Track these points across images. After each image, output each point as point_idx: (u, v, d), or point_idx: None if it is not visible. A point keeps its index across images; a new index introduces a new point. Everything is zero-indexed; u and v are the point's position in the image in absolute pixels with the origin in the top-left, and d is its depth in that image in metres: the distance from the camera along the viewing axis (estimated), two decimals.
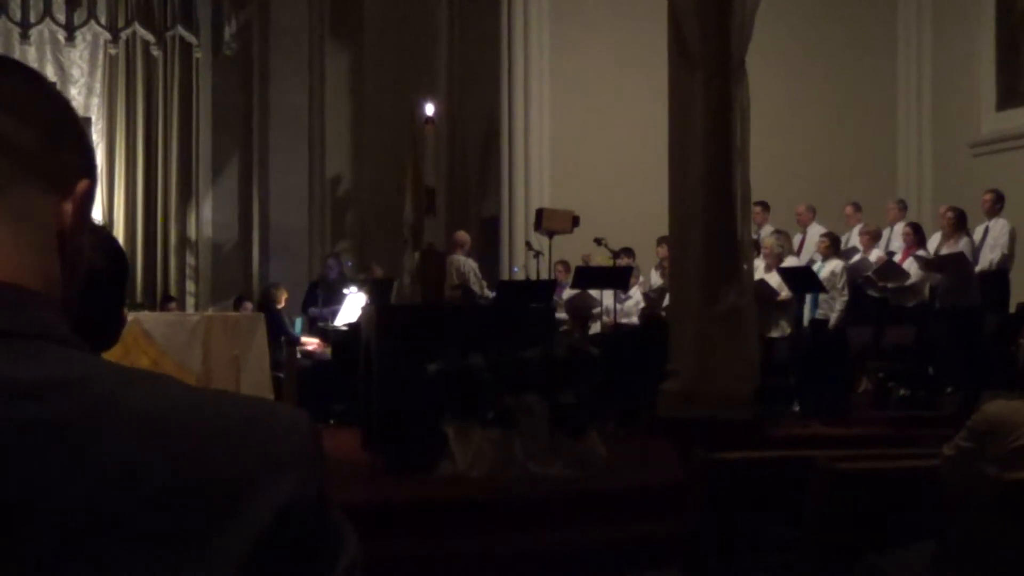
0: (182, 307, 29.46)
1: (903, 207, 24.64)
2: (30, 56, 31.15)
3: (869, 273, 22.54)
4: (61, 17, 30.75)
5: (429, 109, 26.13)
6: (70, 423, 1.70)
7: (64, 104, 2.06)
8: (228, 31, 31.82)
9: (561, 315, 21.46)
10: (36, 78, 2.06)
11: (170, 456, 1.72)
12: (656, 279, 23.43)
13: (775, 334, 21.04)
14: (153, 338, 18.99)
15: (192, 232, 32.43)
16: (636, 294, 24.17)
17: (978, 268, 21.89)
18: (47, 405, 1.71)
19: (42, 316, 1.83)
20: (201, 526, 1.70)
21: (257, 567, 1.71)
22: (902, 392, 21.37)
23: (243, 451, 1.76)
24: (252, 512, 1.72)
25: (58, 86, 28.29)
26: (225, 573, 1.69)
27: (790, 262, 22.31)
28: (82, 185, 1.96)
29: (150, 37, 31.68)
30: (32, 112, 1.95)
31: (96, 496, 1.67)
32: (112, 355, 3.75)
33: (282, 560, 1.73)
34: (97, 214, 30.09)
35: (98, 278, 3.82)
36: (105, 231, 4.62)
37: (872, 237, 23.54)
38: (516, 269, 25.71)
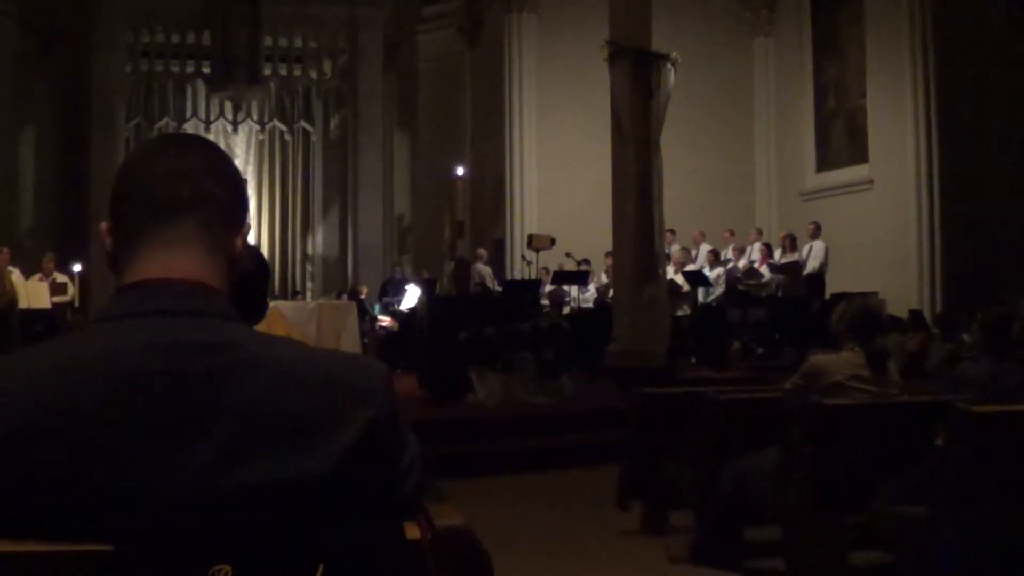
0: (304, 298, 29.46)
1: (759, 232, 24.78)
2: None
3: (739, 275, 22.74)
4: (229, 116, 30.84)
5: (459, 170, 26.12)
6: (233, 368, 1.81)
7: (237, 170, 2.16)
8: (332, 123, 31.92)
9: (544, 302, 21.38)
10: (224, 153, 2.16)
11: (297, 389, 1.84)
12: (605, 278, 23.43)
13: (680, 313, 21.12)
14: (286, 317, 19.05)
15: (310, 250, 32.47)
16: (592, 288, 24.21)
17: (805, 272, 22.09)
18: (220, 357, 1.82)
19: (219, 303, 1.95)
20: (318, 430, 1.81)
21: (355, 456, 1.81)
22: (759, 350, 21.40)
23: (343, 385, 1.88)
24: (351, 423, 1.83)
25: None
26: (335, 459, 1.79)
27: (689, 268, 22.45)
28: (246, 227, 2.10)
29: (284, 128, 31.77)
30: (226, 176, 2.06)
31: (250, 413, 1.78)
32: (260, 328, 3.82)
33: (369, 453, 1.84)
34: (252, 239, 30.06)
35: (250, 278, 3.85)
36: (255, 248, 4.64)
37: (740, 251, 23.75)
38: (516, 272, 25.67)
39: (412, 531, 1.99)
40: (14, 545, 1.70)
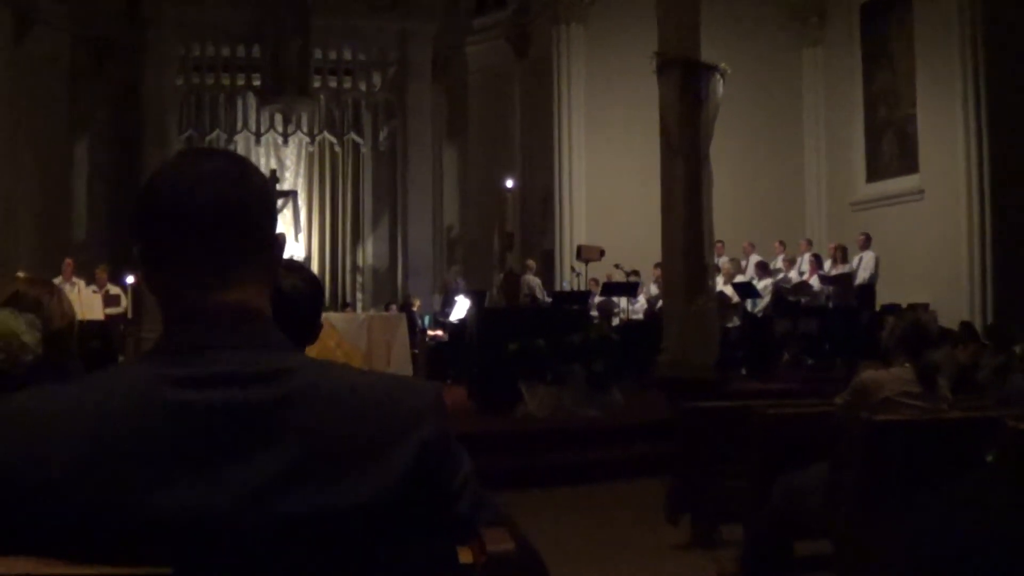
0: (354, 309, 29.50)
1: (809, 243, 24.62)
2: (260, 153, 31.37)
3: (788, 287, 22.65)
4: (280, 128, 30.86)
5: (509, 182, 26.10)
6: (288, 396, 1.86)
7: (265, 179, 2.12)
8: (382, 135, 31.89)
9: (593, 313, 21.37)
10: (251, 163, 2.14)
11: (351, 414, 1.88)
12: (654, 289, 23.35)
13: (729, 324, 21.01)
14: (337, 328, 19.02)
15: (360, 261, 32.48)
16: (641, 299, 24.15)
17: (856, 283, 21.91)
18: (275, 386, 1.86)
19: (270, 330, 1.97)
20: (372, 455, 1.84)
21: (409, 479, 1.84)
22: (809, 361, 21.30)
23: (396, 409, 1.93)
24: (404, 446, 1.87)
25: (279, 172, 28.88)
26: (389, 482, 1.84)
27: (739, 279, 22.34)
28: (281, 238, 2.09)
29: (333, 140, 31.77)
30: (269, 202, 2.06)
31: (305, 439, 1.82)
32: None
33: (423, 476, 1.87)
34: (303, 250, 30.26)
35: (302, 297, 3.90)
36: (307, 268, 4.67)
37: (790, 263, 23.61)
38: (565, 284, 25.66)
39: (465, 555, 2.01)
40: (77, 569, 1.75)
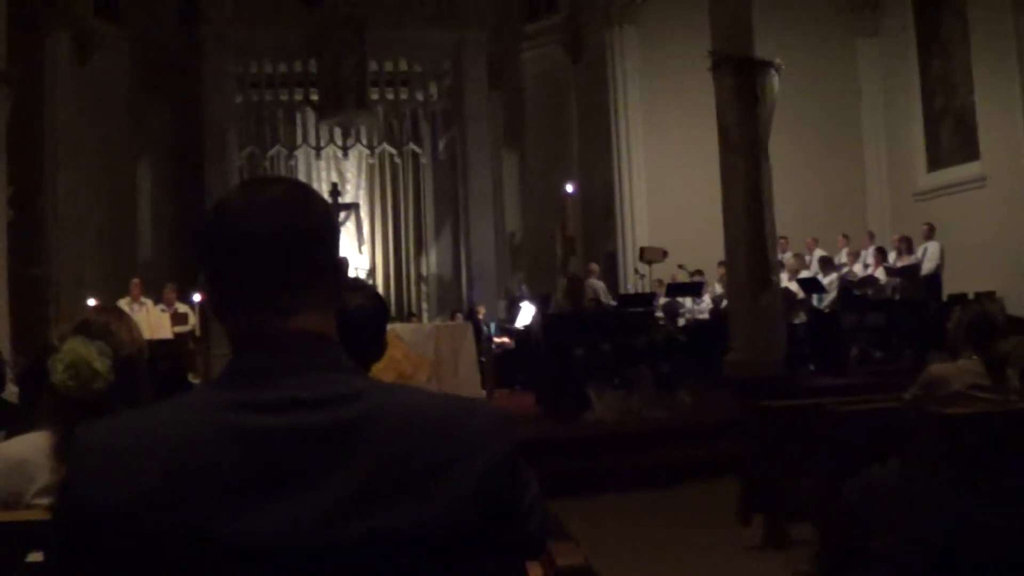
0: (420, 319, 29.56)
1: (872, 236, 24.45)
2: (321, 167, 31.61)
3: (854, 280, 22.50)
4: (339, 141, 31.00)
5: (569, 187, 26.12)
6: (355, 420, 1.86)
7: (327, 203, 2.14)
8: (441, 144, 32.05)
9: (659, 315, 21.31)
10: (312, 188, 2.16)
11: (417, 437, 1.87)
12: (718, 288, 23.29)
13: (796, 321, 20.90)
14: (404, 339, 19.04)
15: (424, 271, 32.61)
16: (706, 299, 24.08)
17: (921, 274, 21.74)
18: (341, 410, 1.86)
19: (336, 354, 1.96)
20: (442, 474, 1.84)
21: (477, 500, 1.83)
22: (878, 355, 21.17)
23: (462, 431, 1.91)
24: (471, 468, 1.86)
25: (340, 185, 29.01)
26: (457, 504, 1.83)
27: (803, 275, 22.22)
28: (344, 261, 2.08)
29: (393, 151, 31.90)
30: (331, 227, 2.07)
31: (372, 463, 1.82)
32: None
33: (491, 497, 1.85)
34: (366, 262, 30.39)
35: (367, 316, 3.93)
36: (370, 287, 4.71)
37: (854, 256, 23.47)
38: (629, 286, 25.64)
39: (534, 570, 2.02)
40: None
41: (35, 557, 3.26)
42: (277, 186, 2.06)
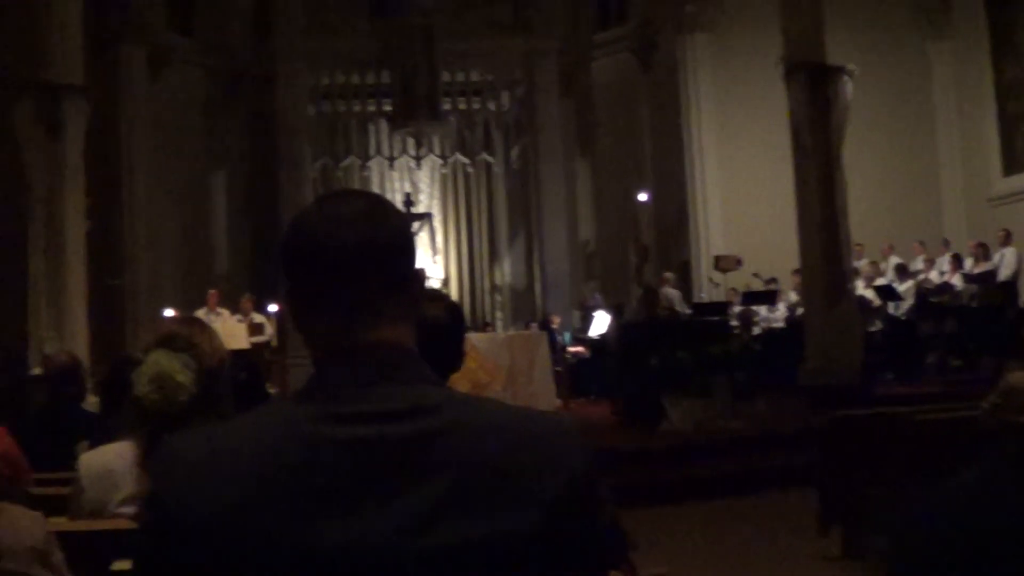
0: (494, 329, 29.58)
1: (947, 242, 24.26)
2: (394, 177, 31.75)
3: (930, 287, 22.33)
4: (412, 152, 31.11)
5: (642, 195, 26.09)
6: (436, 432, 1.86)
7: (404, 216, 2.17)
8: (513, 153, 32.10)
9: (733, 323, 21.24)
10: (388, 201, 2.17)
11: (497, 449, 1.87)
12: (794, 297, 23.18)
13: (872, 329, 20.79)
14: (478, 349, 19.01)
15: (498, 280, 32.65)
16: (781, 307, 23.98)
17: (997, 280, 21.57)
18: (422, 421, 1.87)
19: (417, 366, 1.97)
20: (519, 489, 1.84)
21: (557, 513, 1.84)
22: (955, 363, 21.00)
23: (542, 443, 1.91)
24: (551, 480, 1.86)
25: (413, 196, 29.13)
26: (537, 516, 1.83)
27: (879, 282, 22.10)
28: (421, 273, 2.11)
29: (466, 160, 31.96)
30: (409, 240, 2.08)
31: (453, 474, 1.82)
32: None
33: (570, 509, 1.86)
34: (440, 272, 30.48)
35: (445, 328, 3.96)
36: (448, 298, 4.74)
37: (930, 263, 23.27)
38: (703, 295, 25.55)
39: None
40: None
41: (120, 565, 3.30)
42: (355, 200, 2.08)
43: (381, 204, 2.09)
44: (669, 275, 25.09)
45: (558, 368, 21.48)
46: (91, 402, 8.51)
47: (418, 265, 2.12)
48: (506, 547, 1.82)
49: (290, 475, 1.83)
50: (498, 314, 32.42)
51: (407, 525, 1.80)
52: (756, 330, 22.99)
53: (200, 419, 3.63)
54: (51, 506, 4.05)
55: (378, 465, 1.83)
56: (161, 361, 3.83)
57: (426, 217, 31.12)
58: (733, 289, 24.06)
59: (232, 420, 2.02)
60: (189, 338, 3.94)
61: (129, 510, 3.92)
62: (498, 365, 19.43)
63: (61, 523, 3.86)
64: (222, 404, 3.90)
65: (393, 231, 2.04)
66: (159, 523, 1.88)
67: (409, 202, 29.89)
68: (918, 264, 23.42)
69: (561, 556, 1.86)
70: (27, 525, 2.61)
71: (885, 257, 23.62)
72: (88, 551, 3.58)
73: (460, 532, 1.80)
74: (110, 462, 4.05)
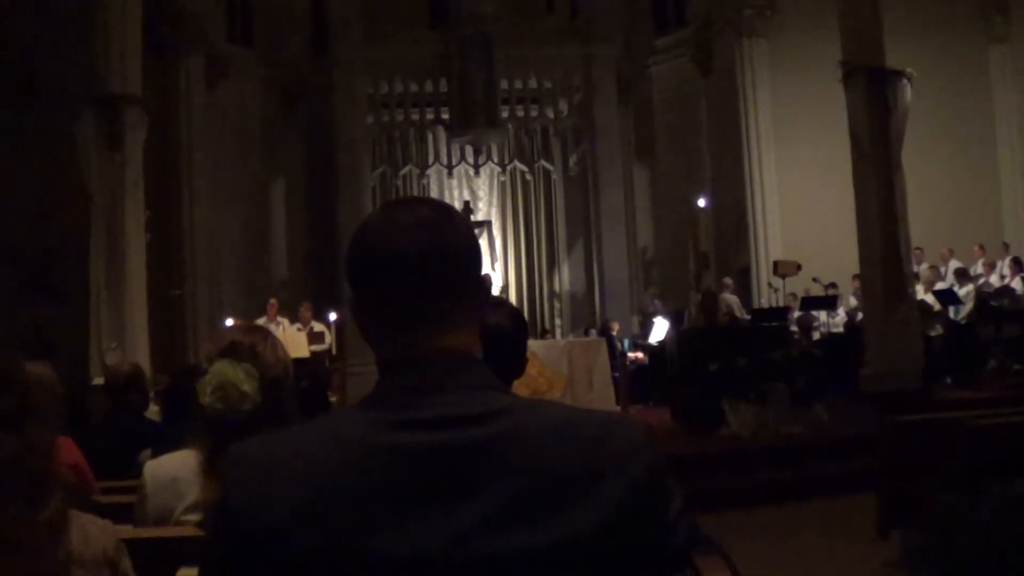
0: (553, 335, 29.61)
1: (1007, 246, 24.09)
2: (453, 185, 31.87)
3: (990, 292, 22.17)
4: (470, 160, 31.21)
5: (702, 202, 26.04)
6: (501, 437, 1.89)
7: (470, 224, 2.22)
8: (572, 160, 32.12)
9: (793, 329, 21.18)
10: (455, 210, 2.19)
11: (563, 452, 1.90)
12: (853, 302, 23.10)
13: (932, 333, 20.66)
14: (538, 356, 19.01)
15: (557, 287, 32.66)
16: (841, 312, 23.89)
17: None
18: (487, 427, 1.90)
19: (482, 372, 2.00)
20: (588, 490, 1.87)
21: (623, 515, 1.87)
22: (1015, 367, 20.84)
23: (607, 446, 1.93)
24: (617, 482, 1.89)
25: (472, 203, 29.18)
26: (604, 518, 1.85)
27: (939, 286, 21.97)
28: (488, 279, 2.15)
29: (524, 168, 32.06)
30: (475, 247, 2.10)
31: (519, 478, 1.86)
32: None
33: (637, 511, 1.89)
34: (499, 280, 30.50)
35: (508, 334, 4.00)
36: (510, 304, 4.78)
37: (990, 267, 23.11)
38: (763, 300, 25.47)
39: None
40: None
41: (185, 572, 3.35)
42: (420, 207, 2.09)
43: (447, 211, 2.11)
44: (728, 281, 25.04)
45: (617, 374, 21.46)
46: (152, 411, 8.59)
47: (483, 272, 2.15)
48: (573, 551, 1.83)
49: (357, 481, 1.86)
50: (557, 321, 32.43)
51: (473, 531, 1.82)
52: (815, 335, 22.91)
53: (264, 428, 3.64)
54: (115, 514, 4.10)
55: (445, 471, 1.86)
56: (225, 371, 3.87)
57: (485, 225, 31.17)
58: (792, 294, 24.00)
59: (301, 426, 2.04)
60: (253, 347, 3.97)
61: (194, 517, 3.97)
62: (557, 372, 19.46)
63: (126, 531, 3.91)
64: (286, 413, 3.94)
65: (459, 238, 2.06)
66: (228, 527, 1.93)
67: (468, 210, 30.02)
68: (978, 268, 23.28)
69: (626, 560, 1.88)
70: (96, 533, 2.66)
71: (945, 261, 23.49)
72: (153, 558, 3.63)
73: (527, 537, 1.83)
74: (175, 470, 4.09)
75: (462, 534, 1.82)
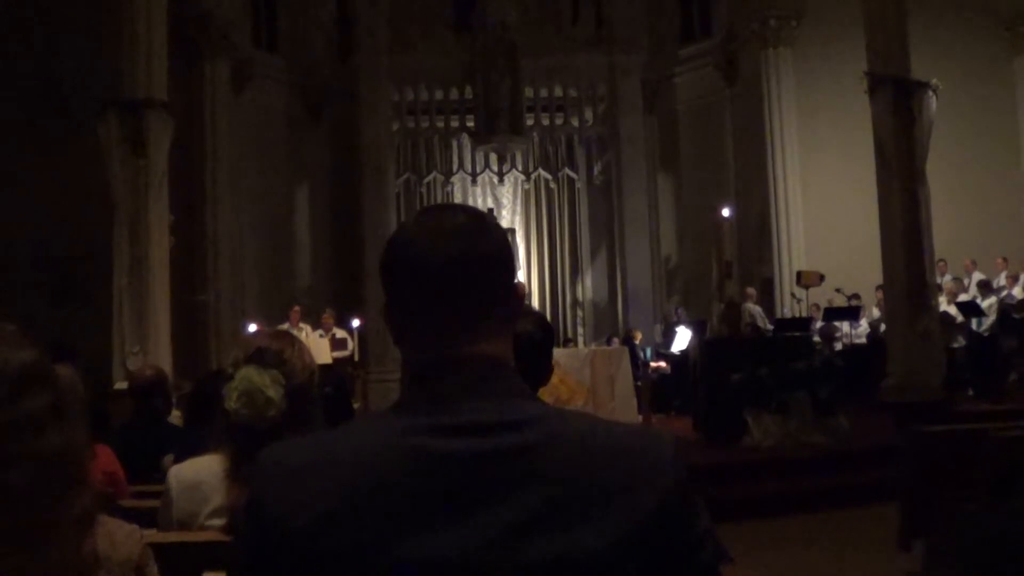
0: (575, 344, 29.59)
1: None
2: (477, 193, 31.88)
3: (1013, 303, 22.10)
4: (495, 167, 31.19)
5: (725, 210, 26.01)
6: (531, 445, 1.89)
7: (504, 231, 2.18)
8: (596, 168, 32.16)
9: (816, 339, 21.14)
10: (490, 216, 2.21)
11: (593, 462, 1.89)
12: (876, 312, 23.09)
13: (954, 345, 20.64)
14: (560, 364, 18.93)
15: (580, 295, 32.68)
16: (864, 323, 23.86)
17: None
18: (517, 435, 1.89)
19: (513, 380, 1.99)
20: (617, 500, 1.87)
21: (652, 526, 1.86)
22: None
23: (637, 457, 1.93)
24: (647, 494, 1.88)
25: (496, 211, 29.18)
26: (633, 529, 1.85)
27: (962, 298, 21.93)
28: (520, 288, 2.12)
29: (548, 176, 32.10)
30: (509, 254, 2.11)
31: (548, 487, 1.86)
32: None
33: (667, 520, 1.88)
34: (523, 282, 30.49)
35: (535, 342, 4.02)
36: (538, 313, 4.80)
37: (1014, 279, 23.04)
38: (786, 311, 25.46)
39: None
40: None
41: None
42: (456, 214, 2.09)
43: (481, 218, 2.11)
44: (752, 290, 25.03)
45: (639, 383, 21.44)
46: (175, 417, 8.61)
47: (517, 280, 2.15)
48: (601, 562, 1.83)
49: (385, 486, 1.87)
50: (580, 329, 32.43)
51: (500, 539, 1.82)
52: (838, 346, 22.89)
53: (289, 435, 3.65)
54: (139, 518, 4.13)
55: (474, 477, 1.86)
56: (251, 376, 3.88)
57: (508, 232, 31.15)
58: (815, 305, 24.00)
59: (332, 431, 2.04)
60: (280, 354, 3.99)
61: (218, 522, 3.97)
62: (580, 380, 19.41)
63: (151, 535, 3.93)
64: (311, 419, 3.95)
65: (494, 245, 2.06)
66: (257, 529, 1.93)
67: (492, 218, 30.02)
68: (1001, 280, 23.20)
69: (654, 571, 1.88)
70: (123, 538, 2.68)
71: (968, 273, 23.45)
72: (178, 563, 3.65)
73: (556, 546, 1.82)
74: (200, 474, 4.09)
75: (491, 541, 1.82)
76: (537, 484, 1.86)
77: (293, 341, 4.15)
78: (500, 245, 2.08)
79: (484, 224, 2.09)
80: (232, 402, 3.87)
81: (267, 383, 3.86)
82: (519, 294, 2.12)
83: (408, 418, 1.94)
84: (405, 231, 2.09)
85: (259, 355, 3.96)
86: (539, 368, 4.09)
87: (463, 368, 1.97)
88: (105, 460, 6.03)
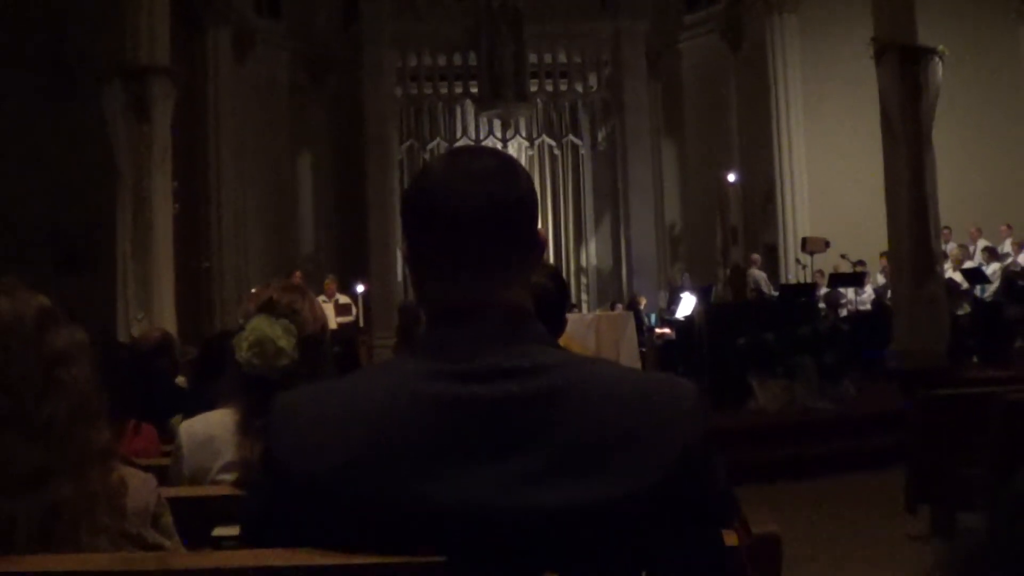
0: (580, 310, 29.58)
1: None
2: None
3: (1018, 270, 22.08)
4: (499, 133, 31.20)
5: (730, 176, 25.97)
6: (552, 391, 1.89)
7: (528, 176, 2.13)
8: (600, 135, 32.09)
9: (821, 305, 21.15)
10: (515, 160, 2.18)
11: (615, 409, 1.90)
12: (881, 279, 23.08)
13: (959, 312, 20.63)
14: (566, 329, 18.93)
15: (584, 262, 32.69)
16: (869, 290, 23.85)
17: None
18: (538, 380, 1.89)
19: (534, 327, 1.99)
20: (638, 447, 1.87)
21: (675, 471, 1.87)
22: None
23: (659, 404, 1.93)
24: (669, 440, 1.89)
25: None
26: (656, 474, 1.86)
27: (967, 265, 21.92)
28: (542, 235, 2.10)
29: (552, 142, 32.10)
30: (534, 202, 2.10)
31: (574, 430, 1.86)
32: None
33: (687, 467, 1.90)
34: None
35: (551, 296, 4.02)
36: (551, 265, 4.80)
37: (1019, 246, 23.00)
38: (791, 277, 25.45)
39: (731, 538, 2.05)
40: (352, 558, 1.87)
41: (221, 531, 3.36)
42: (486, 157, 2.08)
43: (511, 163, 2.10)
44: (756, 257, 25.05)
45: (644, 349, 21.46)
46: (180, 382, 8.59)
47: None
48: (618, 508, 1.84)
49: (403, 432, 1.87)
50: (584, 296, 32.43)
51: (524, 482, 1.83)
52: (843, 312, 22.88)
53: (301, 384, 3.66)
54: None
55: (500, 422, 1.86)
56: (262, 327, 3.87)
57: None
58: (820, 271, 23.97)
59: (350, 376, 2.05)
60: (291, 304, 3.98)
61: (229, 476, 3.96)
62: (584, 346, 19.41)
63: (162, 490, 3.92)
64: (323, 370, 3.94)
65: (521, 192, 2.05)
66: (274, 477, 1.93)
67: None
68: (1006, 247, 23.18)
69: (677, 515, 1.89)
70: (139, 485, 2.67)
71: (973, 240, 23.43)
72: (189, 517, 3.64)
73: (578, 491, 1.83)
74: (211, 429, 4.08)
75: (513, 485, 1.82)
76: (559, 429, 1.86)
77: (304, 293, 4.14)
78: (528, 192, 2.07)
79: (514, 169, 2.08)
80: (243, 352, 3.86)
81: (279, 333, 3.85)
82: (541, 243, 2.09)
83: (429, 363, 1.93)
84: (432, 172, 2.07)
85: (270, 305, 3.95)
86: (553, 322, 4.09)
87: (485, 314, 1.96)
88: (147, 439, 5.96)
